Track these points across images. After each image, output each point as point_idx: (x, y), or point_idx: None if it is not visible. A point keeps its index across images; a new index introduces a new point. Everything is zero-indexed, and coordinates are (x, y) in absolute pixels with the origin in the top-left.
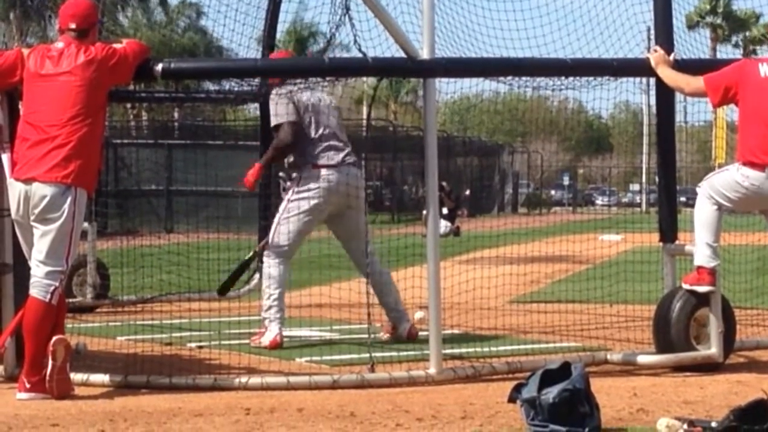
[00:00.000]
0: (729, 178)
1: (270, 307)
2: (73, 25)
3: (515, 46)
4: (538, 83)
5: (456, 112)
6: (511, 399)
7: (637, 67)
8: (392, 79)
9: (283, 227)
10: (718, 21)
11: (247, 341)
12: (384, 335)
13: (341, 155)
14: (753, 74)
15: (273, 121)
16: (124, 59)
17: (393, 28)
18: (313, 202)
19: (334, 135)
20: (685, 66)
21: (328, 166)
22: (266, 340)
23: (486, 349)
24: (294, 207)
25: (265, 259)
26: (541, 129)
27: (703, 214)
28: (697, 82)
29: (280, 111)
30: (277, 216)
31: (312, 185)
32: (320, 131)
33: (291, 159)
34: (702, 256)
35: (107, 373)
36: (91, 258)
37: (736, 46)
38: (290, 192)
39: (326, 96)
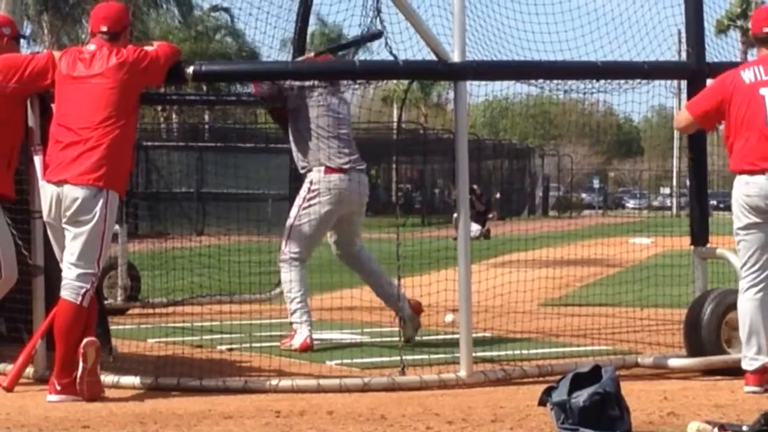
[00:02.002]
0: (735, 198)
1: (295, 311)
2: (104, 28)
3: (546, 49)
4: (569, 86)
5: (487, 115)
6: (542, 402)
7: (668, 70)
8: (423, 82)
9: (296, 232)
10: (749, 25)
11: (277, 344)
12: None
13: (352, 159)
14: (738, 83)
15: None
16: (156, 61)
17: (424, 31)
18: (324, 208)
19: (346, 139)
20: (717, 69)
21: (339, 170)
22: (296, 342)
23: (517, 352)
24: (306, 214)
25: (281, 265)
26: (572, 132)
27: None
28: (683, 113)
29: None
30: (289, 221)
31: (323, 190)
32: (335, 132)
33: (301, 163)
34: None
35: (138, 375)
36: (122, 260)
37: None
38: (301, 198)
39: (343, 103)
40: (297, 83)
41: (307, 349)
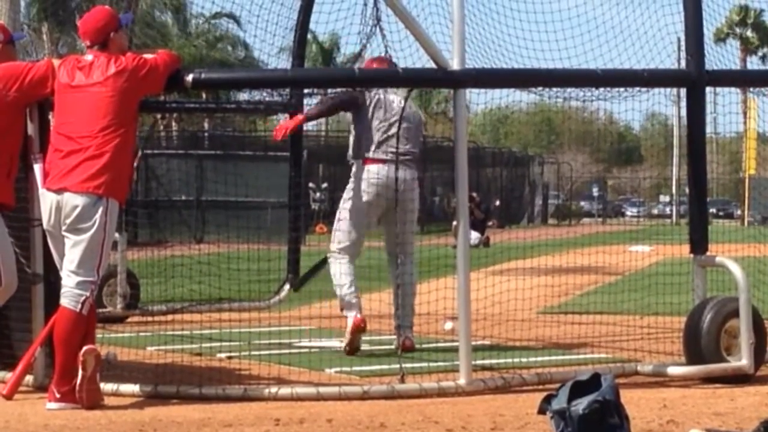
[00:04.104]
0: None
1: (344, 296)
2: (87, 42)
3: (546, 56)
4: (569, 94)
5: (486, 122)
6: (541, 410)
7: (668, 78)
8: (422, 90)
9: (339, 224)
10: (748, 32)
11: (276, 351)
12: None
13: (394, 151)
14: None
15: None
16: (155, 69)
17: (423, 39)
18: (363, 198)
19: (393, 133)
20: (716, 77)
21: (377, 161)
22: (348, 324)
23: (516, 360)
24: (348, 204)
25: (330, 259)
26: (572, 140)
27: None
28: None
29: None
30: (337, 214)
31: (362, 181)
32: (381, 125)
33: (350, 152)
34: None
35: (137, 383)
36: (122, 268)
37: (762, 58)
38: (346, 190)
39: (405, 101)
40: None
41: (361, 324)
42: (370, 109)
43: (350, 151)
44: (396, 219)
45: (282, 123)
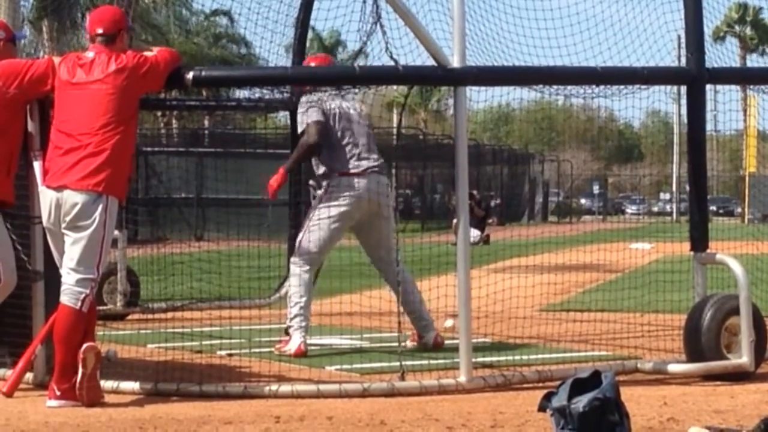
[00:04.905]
0: None
1: (296, 316)
2: (100, 30)
3: (546, 54)
4: (569, 91)
5: (488, 120)
6: (541, 408)
7: (668, 76)
8: (423, 88)
9: (313, 234)
10: (747, 30)
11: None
12: (410, 343)
13: (370, 163)
14: None
15: (300, 128)
16: (156, 67)
17: (423, 37)
18: (341, 209)
19: (362, 143)
20: (717, 75)
21: (356, 174)
22: (291, 348)
23: (516, 358)
24: (323, 214)
25: (292, 266)
26: (573, 138)
27: None
28: None
29: (306, 114)
30: (306, 223)
31: (340, 193)
32: (349, 139)
33: (321, 169)
34: None
35: (137, 380)
36: (122, 266)
37: (762, 54)
38: (319, 200)
39: (357, 105)
40: (316, 101)
41: (302, 355)
42: (336, 123)
43: (320, 169)
44: (377, 228)
45: (270, 181)
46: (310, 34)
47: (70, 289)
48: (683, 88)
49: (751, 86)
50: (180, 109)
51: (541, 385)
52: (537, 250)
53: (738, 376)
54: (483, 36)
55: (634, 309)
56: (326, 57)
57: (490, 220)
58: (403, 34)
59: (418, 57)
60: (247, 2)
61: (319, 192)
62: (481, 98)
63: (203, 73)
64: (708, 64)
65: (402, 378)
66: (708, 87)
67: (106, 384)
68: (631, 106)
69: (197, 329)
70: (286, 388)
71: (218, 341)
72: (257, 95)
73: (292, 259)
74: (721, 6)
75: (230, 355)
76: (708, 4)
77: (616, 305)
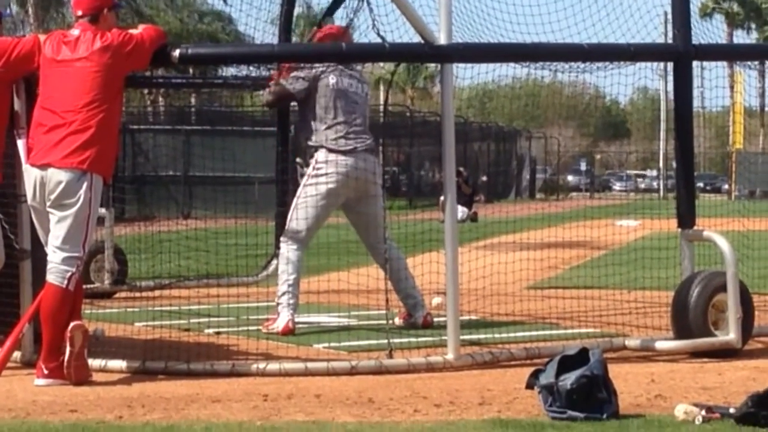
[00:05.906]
0: None
1: (284, 293)
2: (79, 12)
3: (532, 31)
4: (555, 68)
5: (474, 97)
6: (529, 385)
7: (655, 52)
8: (410, 65)
9: (300, 212)
10: (734, 7)
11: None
12: (398, 320)
13: (357, 143)
14: None
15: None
16: (141, 45)
17: (410, 14)
18: (329, 186)
19: (356, 123)
20: (703, 51)
21: (344, 152)
22: (279, 325)
23: (504, 335)
24: (310, 192)
25: (282, 244)
26: (559, 114)
27: None
28: None
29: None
30: (294, 201)
31: (328, 170)
32: (340, 117)
33: (309, 141)
34: None
35: (125, 359)
36: (109, 244)
37: (748, 31)
38: (306, 177)
39: (359, 83)
40: (304, 75)
41: (289, 332)
42: (329, 98)
43: (308, 141)
44: (365, 206)
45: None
46: (299, 10)
47: (56, 268)
48: (670, 65)
49: (738, 63)
50: (167, 86)
51: (528, 362)
52: (524, 227)
53: (725, 353)
54: (469, 13)
55: (621, 286)
56: (340, 28)
57: (477, 198)
58: (390, 11)
59: (405, 34)
60: None
61: (307, 170)
62: (467, 75)
63: (189, 51)
64: (695, 41)
65: (390, 356)
66: (695, 63)
67: (94, 362)
68: (618, 83)
69: (185, 307)
70: (274, 366)
71: (206, 319)
72: (244, 73)
73: (282, 238)
74: None
75: (218, 333)
76: None
77: (603, 282)
